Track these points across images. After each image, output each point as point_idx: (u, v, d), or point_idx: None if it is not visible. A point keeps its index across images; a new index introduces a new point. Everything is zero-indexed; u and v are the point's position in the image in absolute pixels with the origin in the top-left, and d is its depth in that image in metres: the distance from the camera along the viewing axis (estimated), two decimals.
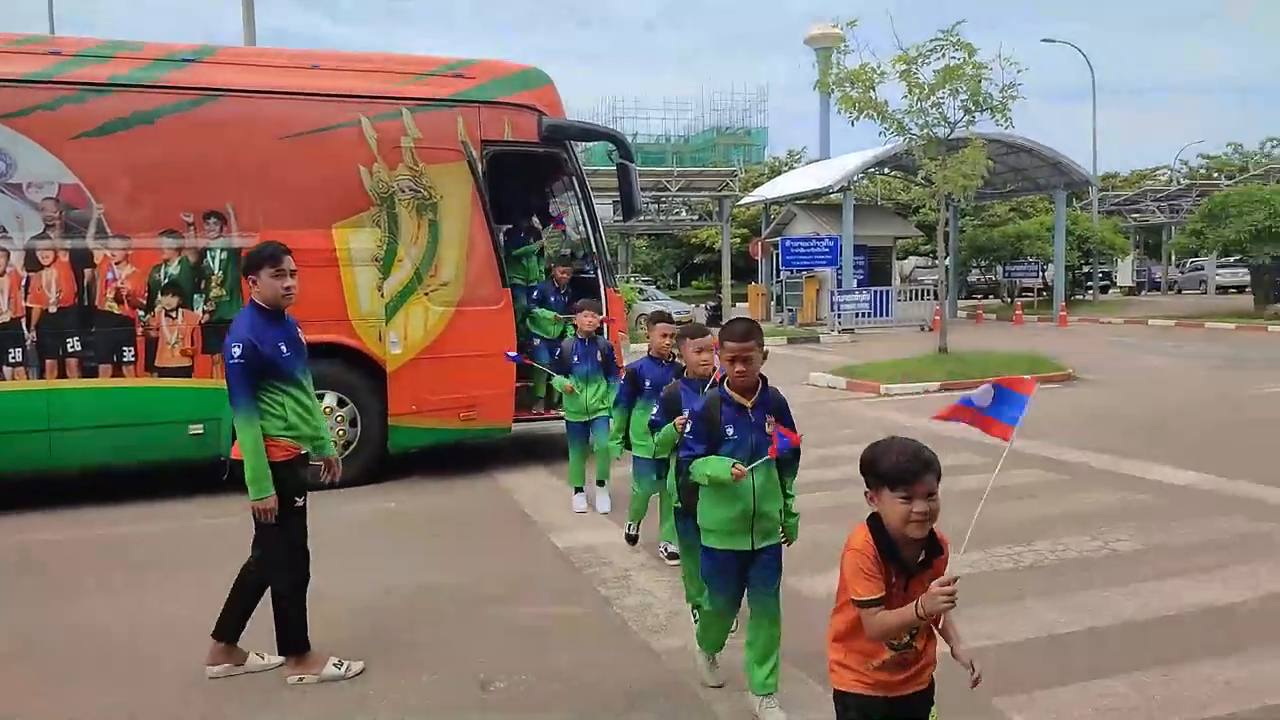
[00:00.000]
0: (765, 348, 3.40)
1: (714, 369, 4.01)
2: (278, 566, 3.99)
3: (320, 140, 7.60)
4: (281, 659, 4.13)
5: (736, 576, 3.50)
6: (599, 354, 6.77)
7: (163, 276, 7.25)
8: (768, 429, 3.35)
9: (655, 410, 4.33)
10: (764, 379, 3.45)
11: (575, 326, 7.05)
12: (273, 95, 7.53)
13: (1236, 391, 12.04)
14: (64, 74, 7.06)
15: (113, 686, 3.99)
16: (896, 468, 2.28)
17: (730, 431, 3.38)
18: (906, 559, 2.31)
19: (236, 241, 7.36)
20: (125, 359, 7.17)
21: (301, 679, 3.95)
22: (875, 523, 2.34)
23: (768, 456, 3.32)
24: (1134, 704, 3.58)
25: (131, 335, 7.18)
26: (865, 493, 2.37)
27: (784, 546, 3.57)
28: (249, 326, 3.88)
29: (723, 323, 3.87)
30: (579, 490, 6.93)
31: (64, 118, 7.01)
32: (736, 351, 3.32)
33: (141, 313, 7.21)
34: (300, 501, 3.98)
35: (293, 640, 3.99)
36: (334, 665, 4.00)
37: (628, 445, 5.53)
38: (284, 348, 3.94)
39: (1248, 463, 7.66)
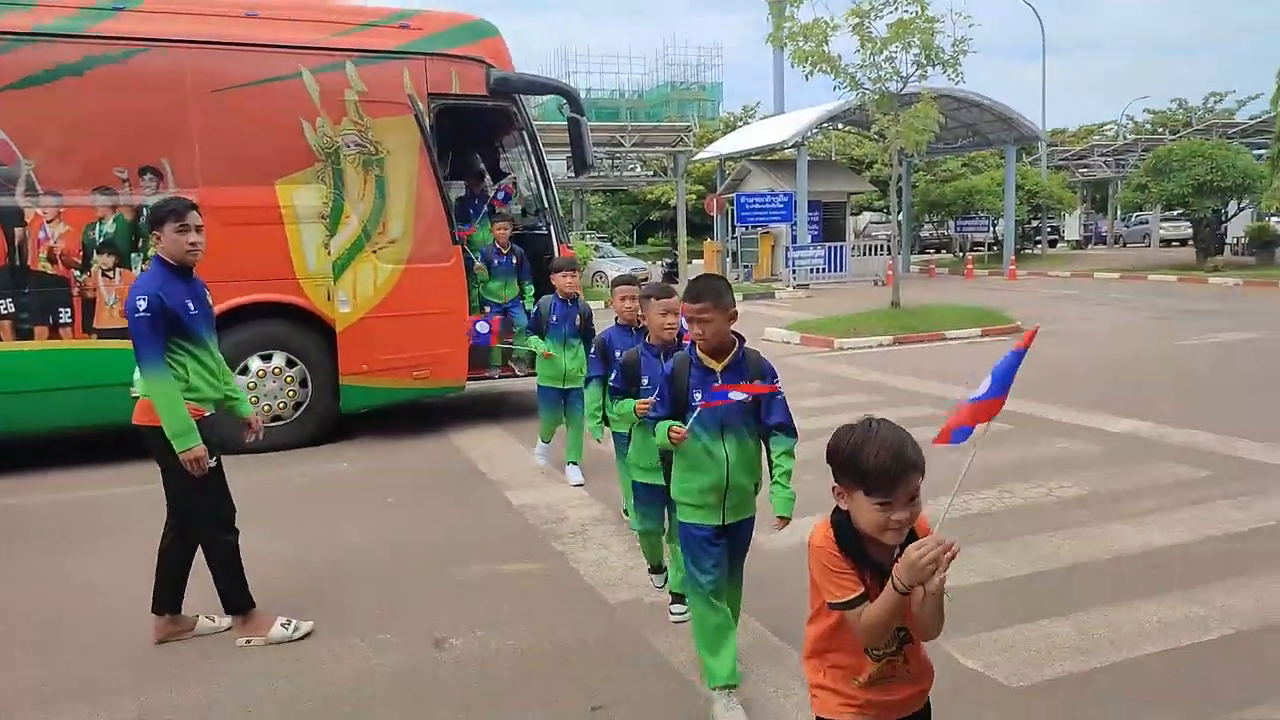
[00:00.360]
0: (734, 308, 3.15)
1: (679, 332, 3.84)
2: (201, 528, 3.91)
3: (259, 93, 7.35)
4: (230, 621, 4.09)
5: (717, 551, 3.26)
6: (578, 317, 6.32)
7: (98, 235, 7.01)
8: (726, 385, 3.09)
9: (614, 376, 4.06)
10: (740, 340, 3.22)
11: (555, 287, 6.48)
12: (208, 46, 7.25)
13: (1178, 342, 12.37)
14: None
15: (57, 657, 3.91)
16: (876, 470, 1.84)
17: (698, 397, 3.15)
18: (877, 558, 1.91)
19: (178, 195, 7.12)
20: (62, 320, 6.95)
21: (249, 641, 3.91)
22: (841, 518, 1.94)
23: (698, 408, 3.10)
24: (1075, 643, 3.70)
25: (67, 296, 6.95)
26: (833, 487, 1.95)
27: (774, 526, 3.23)
28: (155, 281, 3.74)
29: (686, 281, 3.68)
30: (545, 443, 6.77)
31: None
32: (692, 313, 3.12)
33: (77, 272, 6.97)
34: (213, 461, 3.81)
35: (234, 600, 3.94)
36: (281, 626, 3.96)
37: (606, 422, 4.92)
38: (191, 305, 3.80)
39: (1186, 411, 7.89)
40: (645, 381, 3.88)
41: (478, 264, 8.66)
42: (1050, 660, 3.57)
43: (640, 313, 4.40)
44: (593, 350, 4.93)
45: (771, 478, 3.24)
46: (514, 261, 8.65)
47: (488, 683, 3.55)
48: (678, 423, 3.16)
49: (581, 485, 6.32)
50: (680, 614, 4.01)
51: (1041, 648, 3.67)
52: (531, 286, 8.74)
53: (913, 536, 1.88)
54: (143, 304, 3.65)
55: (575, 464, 6.50)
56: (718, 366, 3.17)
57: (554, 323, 6.34)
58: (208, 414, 3.89)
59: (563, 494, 6.15)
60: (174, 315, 3.72)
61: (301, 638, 3.95)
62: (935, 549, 1.75)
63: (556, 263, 6.76)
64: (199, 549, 4.01)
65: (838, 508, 1.95)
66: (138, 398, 3.80)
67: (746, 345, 3.28)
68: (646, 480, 4.11)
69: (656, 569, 4.41)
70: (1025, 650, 3.65)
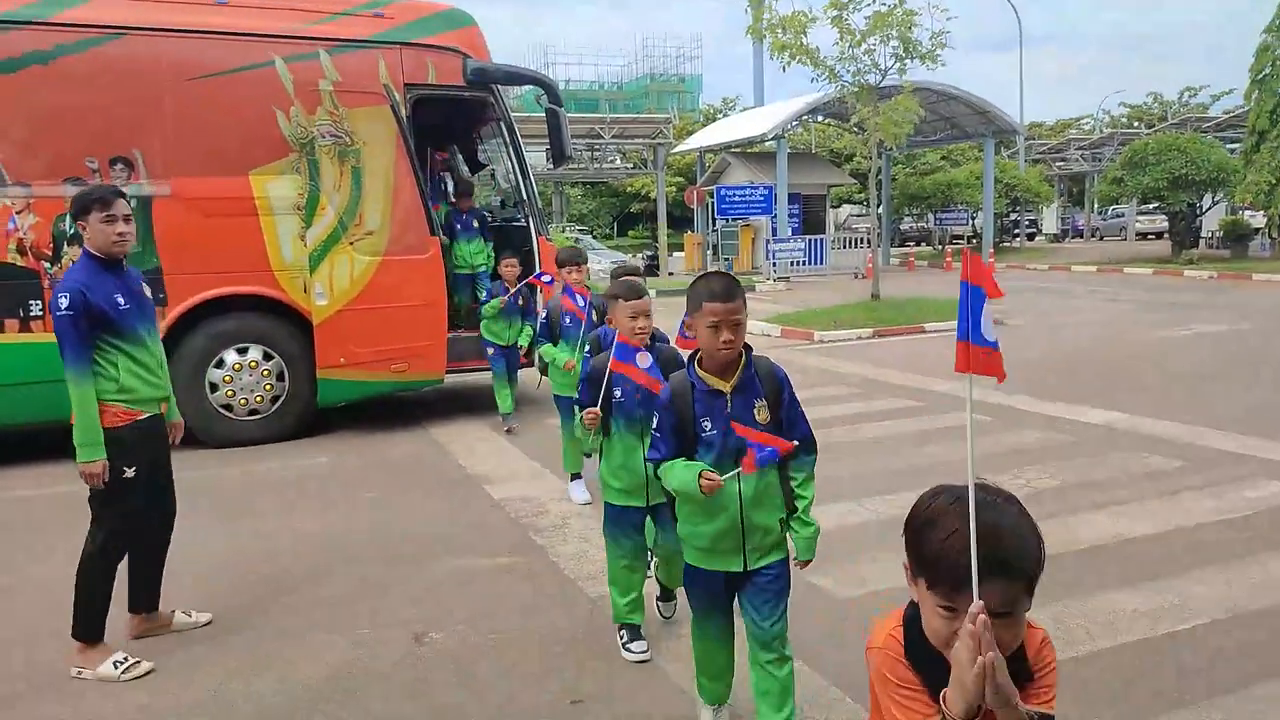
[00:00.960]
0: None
1: (649, 338, 3.52)
2: (94, 540, 3.65)
3: (232, 82, 7.25)
4: (209, 616, 4.04)
5: (725, 601, 2.81)
6: (593, 314, 5.43)
7: (69, 226, 6.89)
8: (749, 430, 2.59)
9: (579, 386, 3.61)
10: (748, 350, 2.69)
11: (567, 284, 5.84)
12: (179, 34, 7.14)
13: (1153, 334, 12.50)
14: None
15: (29, 652, 3.85)
16: (942, 559, 1.39)
17: (707, 426, 2.64)
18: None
19: (147, 189, 7.03)
20: (33, 314, 6.84)
21: (80, 673, 3.58)
22: (913, 615, 1.49)
23: (742, 470, 2.57)
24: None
25: (38, 289, 6.83)
26: (904, 564, 1.52)
27: (794, 567, 2.80)
28: (79, 275, 3.56)
29: (694, 279, 2.87)
30: (576, 477, 5.83)
31: None
32: (723, 315, 2.57)
33: (47, 264, 6.86)
34: (129, 473, 3.62)
35: (85, 624, 3.62)
36: (114, 664, 3.58)
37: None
38: (120, 299, 3.60)
39: (1160, 402, 7.97)
40: (619, 394, 3.45)
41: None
42: None
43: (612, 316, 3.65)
44: (584, 374, 3.66)
45: (790, 510, 2.74)
46: (518, 303, 7.66)
47: (468, 677, 3.53)
48: (705, 466, 2.62)
49: (589, 503, 5.65)
50: (669, 615, 3.94)
51: None
52: (532, 328, 7.35)
53: (1023, 668, 1.44)
54: (64, 301, 3.45)
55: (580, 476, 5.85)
56: (726, 387, 2.64)
57: (566, 325, 5.60)
58: (143, 417, 3.69)
59: (543, 488, 6.12)
60: (99, 311, 3.53)
61: (132, 678, 3.58)
62: (970, 646, 1.29)
63: (562, 255, 5.93)
64: (169, 544, 3.96)
65: (912, 601, 1.48)
66: None
67: (754, 352, 2.75)
68: (621, 502, 3.55)
69: (665, 596, 3.93)
70: None
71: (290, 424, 7.69)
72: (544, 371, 5.84)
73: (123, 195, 3.69)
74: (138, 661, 3.64)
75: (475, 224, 8.91)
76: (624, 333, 3.47)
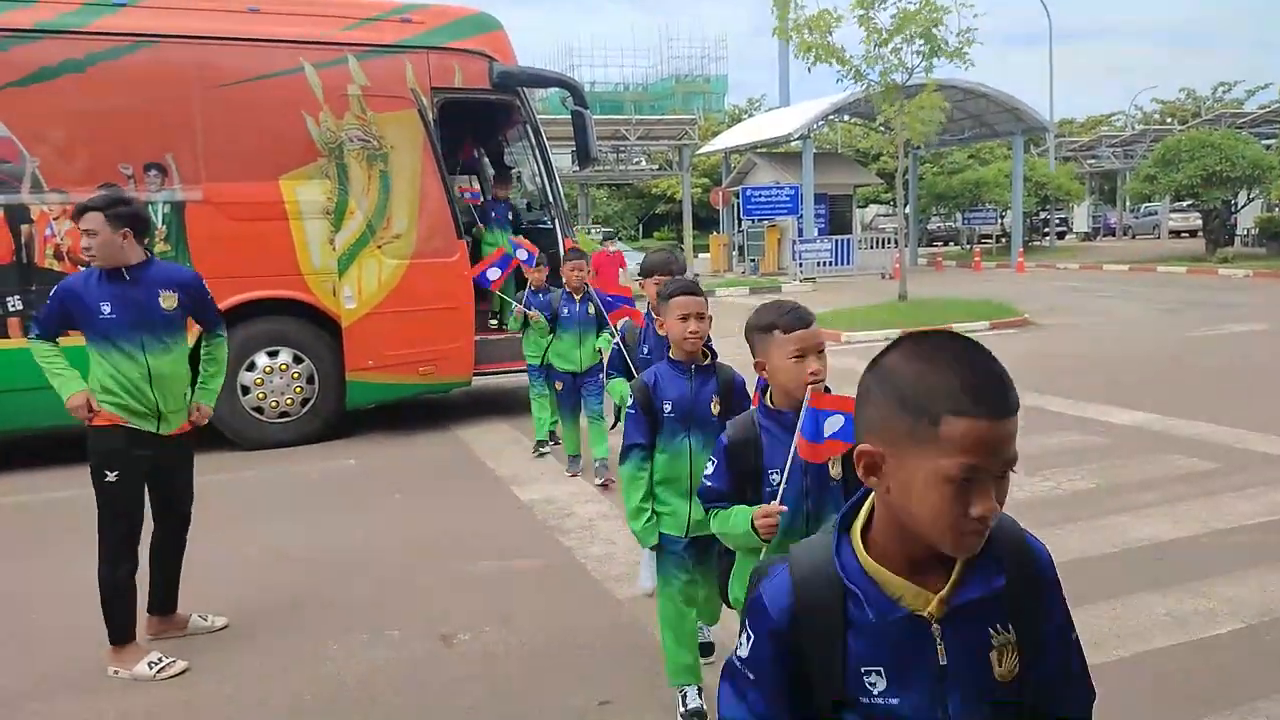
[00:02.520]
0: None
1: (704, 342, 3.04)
2: (100, 547, 3.66)
3: (263, 88, 7.35)
4: (226, 620, 4.10)
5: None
6: (590, 306, 6.11)
7: None
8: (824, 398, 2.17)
9: (630, 405, 3.04)
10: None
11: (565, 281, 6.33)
12: (210, 41, 7.25)
13: (1186, 334, 12.30)
14: None
15: (37, 656, 3.93)
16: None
17: (776, 478, 2.20)
18: None
19: (180, 195, 7.14)
20: None
21: (117, 672, 3.65)
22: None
23: (796, 453, 2.17)
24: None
25: None
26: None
27: None
28: (77, 279, 3.75)
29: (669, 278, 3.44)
30: (541, 444, 6.74)
31: None
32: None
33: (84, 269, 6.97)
34: (111, 477, 3.62)
35: (112, 628, 3.67)
36: (149, 665, 3.65)
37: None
38: (106, 307, 3.63)
39: (1195, 403, 7.84)
40: (669, 408, 2.98)
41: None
42: None
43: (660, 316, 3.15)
44: (630, 404, 3.07)
45: None
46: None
47: (495, 678, 3.55)
48: (772, 505, 2.20)
49: (576, 476, 6.36)
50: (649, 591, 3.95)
51: None
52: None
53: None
54: (51, 292, 3.75)
55: (577, 457, 6.51)
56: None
57: (564, 317, 6.26)
58: (128, 425, 3.69)
59: (569, 489, 6.15)
60: (77, 315, 3.69)
61: (167, 677, 3.64)
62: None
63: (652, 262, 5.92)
64: (184, 547, 4.01)
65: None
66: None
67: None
68: (674, 531, 3.06)
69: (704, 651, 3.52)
70: None
71: (319, 426, 7.77)
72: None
73: (87, 209, 3.66)
74: (173, 661, 3.69)
75: (509, 215, 9.13)
76: (675, 339, 3.00)
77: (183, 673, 3.67)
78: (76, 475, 6.82)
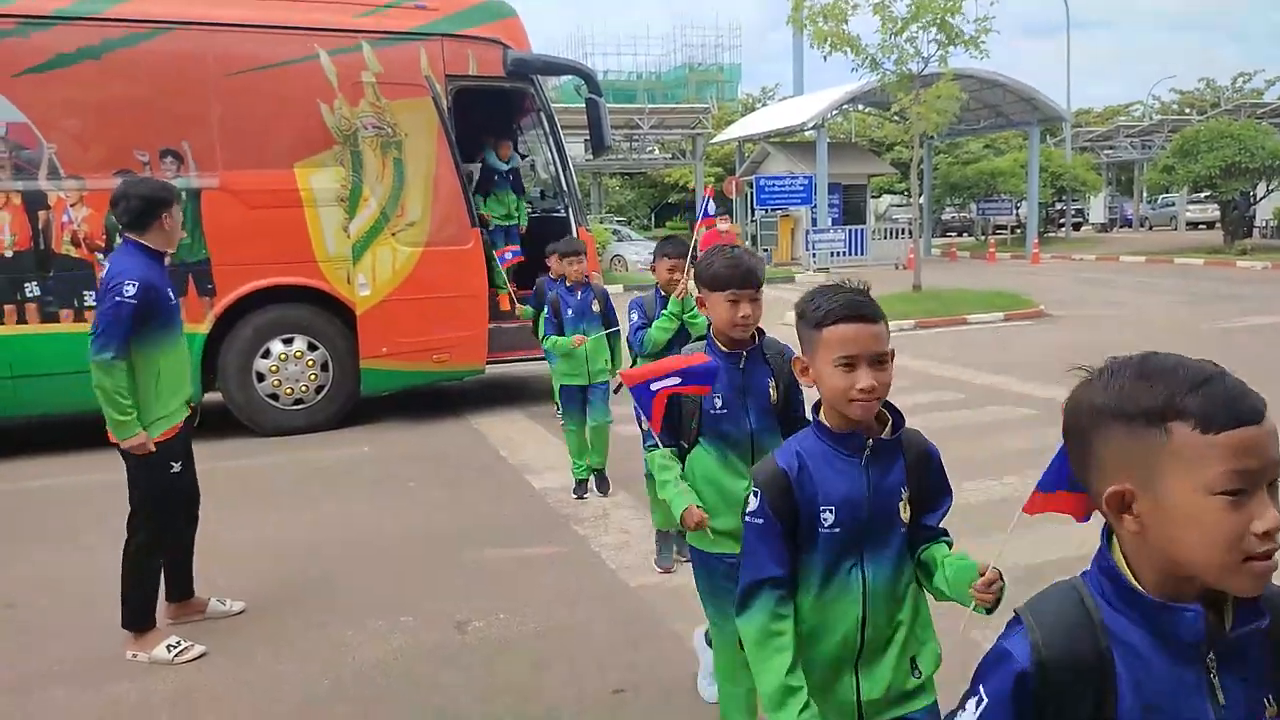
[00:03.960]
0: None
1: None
2: (141, 532, 3.72)
3: (278, 75, 7.35)
4: (243, 605, 4.11)
5: None
6: (594, 301, 5.60)
7: None
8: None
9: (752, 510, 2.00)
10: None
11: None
12: (226, 28, 7.25)
13: (1205, 326, 12.18)
14: (5, 7, 6.74)
15: (63, 639, 3.95)
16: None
17: (829, 519, 1.78)
18: None
19: (195, 181, 7.16)
20: (86, 304, 6.99)
21: (135, 656, 3.68)
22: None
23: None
24: None
25: (91, 279, 6.98)
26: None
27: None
28: (139, 263, 3.63)
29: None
30: (581, 484, 5.69)
31: (7, 53, 6.72)
32: (871, 347, 1.78)
33: (100, 256, 7.01)
34: (176, 467, 3.73)
35: (134, 613, 3.70)
36: (167, 648, 3.67)
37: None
38: (170, 294, 3.79)
39: None
40: (719, 404, 2.52)
41: (520, 309, 7.24)
42: None
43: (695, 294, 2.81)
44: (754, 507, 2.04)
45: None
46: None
47: (509, 665, 3.56)
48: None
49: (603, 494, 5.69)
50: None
51: None
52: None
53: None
54: (130, 289, 3.53)
55: (600, 472, 5.74)
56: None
57: (570, 316, 5.52)
58: (185, 419, 3.83)
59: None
60: (157, 307, 3.66)
61: (184, 661, 3.66)
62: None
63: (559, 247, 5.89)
64: (195, 530, 4.02)
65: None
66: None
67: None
68: (711, 548, 2.55)
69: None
70: None
71: (334, 413, 7.80)
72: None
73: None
74: (190, 645, 3.71)
75: (510, 177, 9.23)
76: (722, 323, 2.52)
77: (200, 657, 3.69)
78: (73, 463, 6.90)
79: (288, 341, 7.62)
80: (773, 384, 2.54)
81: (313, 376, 7.71)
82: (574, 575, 4.46)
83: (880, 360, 1.74)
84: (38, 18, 6.78)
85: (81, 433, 7.53)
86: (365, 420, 8.00)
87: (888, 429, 1.79)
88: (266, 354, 7.55)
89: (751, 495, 1.82)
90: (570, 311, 5.55)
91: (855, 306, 1.75)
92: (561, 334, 5.55)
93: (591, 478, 5.73)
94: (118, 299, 3.51)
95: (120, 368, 3.55)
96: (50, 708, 3.37)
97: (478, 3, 8.15)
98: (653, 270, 4.61)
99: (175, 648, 3.68)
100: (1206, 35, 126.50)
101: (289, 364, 7.61)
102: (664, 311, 4.35)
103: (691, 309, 4.26)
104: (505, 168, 9.13)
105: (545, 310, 5.69)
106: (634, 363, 4.38)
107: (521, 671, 3.50)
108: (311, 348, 7.69)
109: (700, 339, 2.69)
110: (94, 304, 6.93)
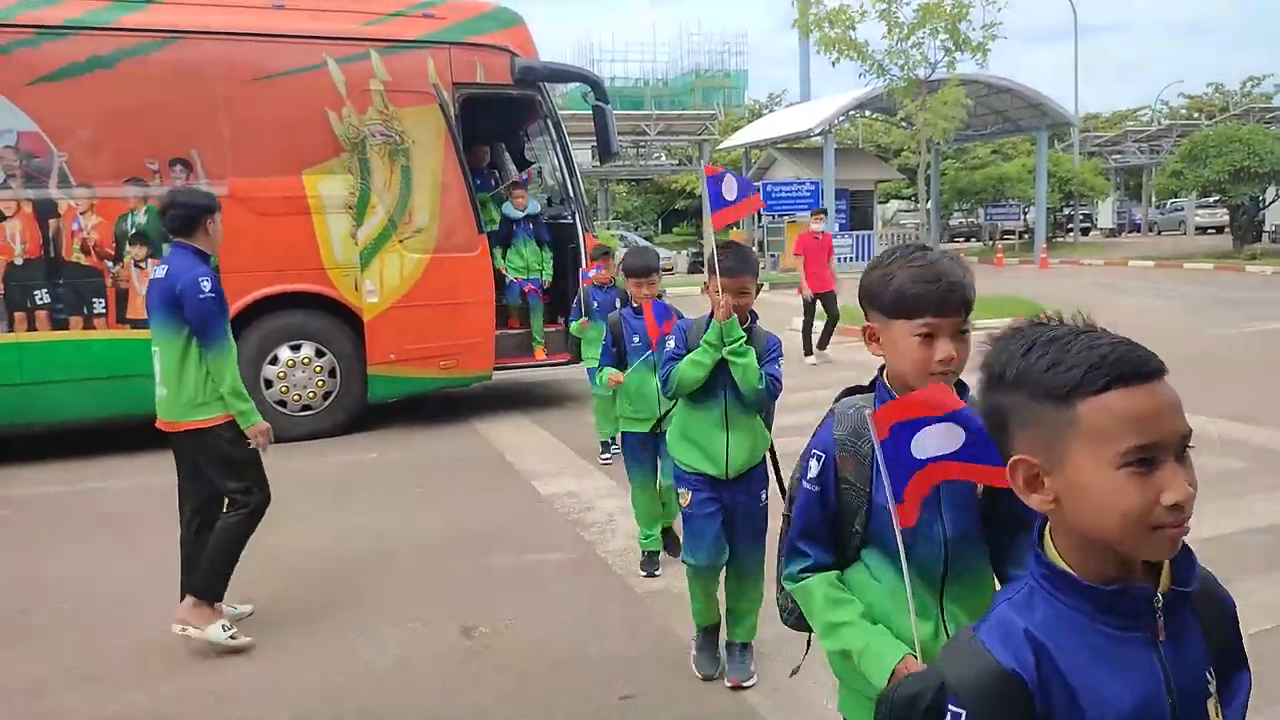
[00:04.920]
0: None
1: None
2: (241, 508, 3.88)
3: (286, 84, 7.39)
4: (251, 608, 4.12)
5: None
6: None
7: (130, 226, 7.09)
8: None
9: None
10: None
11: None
12: (235, 37, 7.30)
13: (1214, 331, 12.14)
14: (17, 16, 6.79)
15: (77, 643, 3.97)
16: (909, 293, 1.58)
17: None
18: None
19: (205, 189, 7.19)
20: (96, 311, 7.04)
21: (186, 629, 3.76)
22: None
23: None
24: None
25: (101, 287, 7.04)
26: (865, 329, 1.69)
27: None
28: (200, 265, 3.81)
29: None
30: (606, 446, 6.04)
31: (19, 62, 6.77)
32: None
33: (110, 263, 7.06)
34: (253, 443, 3.89)
35: (214, 584, 3.84)
36: (222, 627, 3.78)
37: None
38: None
39: (1224, 402, 7.73)
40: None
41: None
42: None
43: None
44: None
45: None
46: (534, 233, 8.63)
47: (516, 671, 3.56)
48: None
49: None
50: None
51: None
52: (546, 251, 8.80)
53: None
54: (208, 284, 3.73)
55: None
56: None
57: (634, 343, 4.51)
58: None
59: (590, 484, 6.15)
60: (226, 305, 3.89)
61: (234, 646, 3.77)
62: None
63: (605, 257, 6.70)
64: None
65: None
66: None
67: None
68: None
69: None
70: None
71: (341, 420, 7.82)
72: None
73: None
74: (241, 635, 3.81)
75: (530, 225, 8.79)
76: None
77: (247, 648, 3.77)
78: (85, 469, 6.94)
79: (295, 348, 7.65)
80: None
81: (320, 383, 7.73)
82: (581, 581, 4.46)
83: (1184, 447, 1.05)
84: (49, 28, 6.83)
85: (88, 440, 7.58)
86: (372, 426, 8.02)
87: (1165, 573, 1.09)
88: (274, 360, 7.58)
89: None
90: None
91: (1135, 363, 1.05)
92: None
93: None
94: (200, 296, 3.69)
95: (231, 360, 3.77)
96: (65, 712, 3.39)
97: (485, 11, 8.19)
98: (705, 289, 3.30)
99: (229, 629, 3.79)
100: (1215, 40, 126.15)
101: (296, 370, 7.63)
102: (702, 340, 3.18)
103: (737, 339, 3.13)
104: (521, 215, 8.66)
105: (605, 336, 4.50)
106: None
107: (529, 677, 3.50)
108: (319, 354, 7.72)
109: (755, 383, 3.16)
110: (101, 312, 7.02)
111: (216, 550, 3.84)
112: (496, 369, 8.29)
